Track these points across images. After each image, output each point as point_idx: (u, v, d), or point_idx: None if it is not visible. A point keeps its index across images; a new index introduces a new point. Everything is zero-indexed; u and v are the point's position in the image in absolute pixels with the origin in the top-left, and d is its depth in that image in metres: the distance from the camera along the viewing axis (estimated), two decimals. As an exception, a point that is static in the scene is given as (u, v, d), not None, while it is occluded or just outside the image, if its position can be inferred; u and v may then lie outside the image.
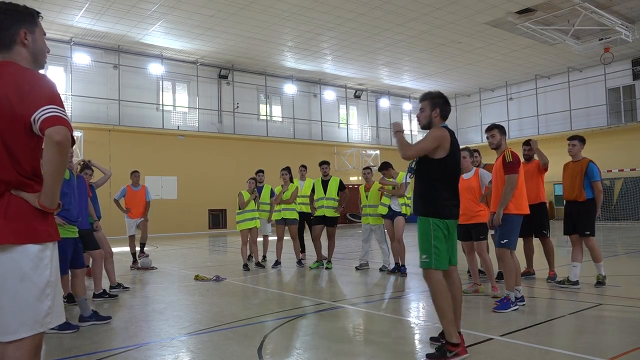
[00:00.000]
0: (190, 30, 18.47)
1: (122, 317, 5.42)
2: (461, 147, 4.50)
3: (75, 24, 17.51)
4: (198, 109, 22.30)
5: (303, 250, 10.02)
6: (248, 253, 9.62)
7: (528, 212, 5.51)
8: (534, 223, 6.84)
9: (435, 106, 3.93)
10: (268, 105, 24.90)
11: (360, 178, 25.79)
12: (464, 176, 6.01)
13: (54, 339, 4.48)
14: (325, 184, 9.09)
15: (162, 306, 5.97)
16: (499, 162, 5.44)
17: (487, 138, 5.56)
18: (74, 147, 2.88)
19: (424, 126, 4.01)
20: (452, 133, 3.86)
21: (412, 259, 9.51)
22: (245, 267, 9.03)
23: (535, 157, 7.18)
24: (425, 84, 26.29)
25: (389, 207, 8.06)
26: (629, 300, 5.59)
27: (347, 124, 27.64)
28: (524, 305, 5.31)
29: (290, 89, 25.13)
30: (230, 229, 21.32)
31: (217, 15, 17.08)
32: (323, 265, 9.02)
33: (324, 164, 9.26)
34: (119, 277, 7.32)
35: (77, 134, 18.01)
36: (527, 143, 7.21)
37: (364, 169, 8.89)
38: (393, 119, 29.81)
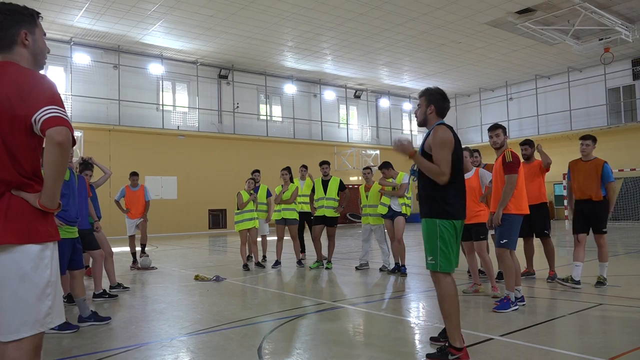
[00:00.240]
0: (190, 30, 18.47)
1: (122, 317, 5.42)
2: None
3: (75, 24, 17.51)
4: (198, 109, 22.30)
5: (303, 250, 10.02)
6: (247, 253, 9.62)
7: (528, 212, 5.52)
8: (536, 223, 6.86)
9: (431, 102, 3.86)
10: (268, 105, 24.91)
11: (360, 178, 25.81)
12: (464, 176, 6.01)
13: (54, 339, 4.48)
14: (325, 184, 9.09)
15: (162, 306, 5.97)
16: (499, 162, 5.45)
17: (491, 137, 5.55)
18: (74, 147, 2.88)
19: (420, 123, 3.95)
20: (451, 129, 3.82)
21: (412, 259, 9.52)
22: (245, 267, 9.03)
23: (537, 157, 7.17)
24: (425, 84, 25.99)
25: (389, 207, 8.06)
26: (629, 300, 5.59)
27: (347, 124, 27.64)
28: (524, 305, 5.31)
29: (290, 89, 25.13)
30: (230, 229, 21.31)
31: (217, 15, 17.09)
32: (323, 265, 9.02)
33: (324, 164, 9.26)
34: (119, 277, 7.32)
35: (77, 134, 18.00)
36: (524, 143, 7.21)
37: (364, 169, 8.89)
38: (393, 119, 29.84)
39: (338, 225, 9.65)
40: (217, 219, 22.51)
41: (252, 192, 9.17)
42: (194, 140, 21.83)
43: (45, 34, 2.37)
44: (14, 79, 2.09)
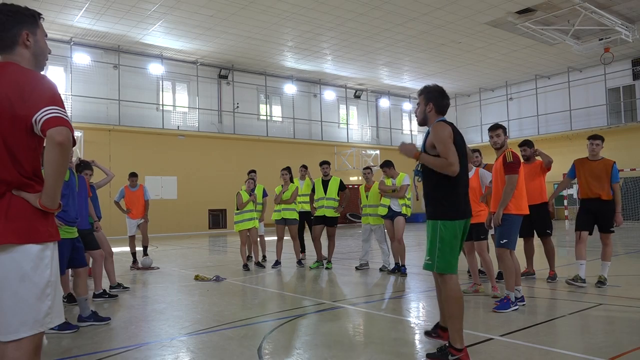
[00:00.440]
0: (190, 30, 18.47)
1: (122, 317, 5.42)
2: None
3: (75, 24, 17.52)
4: (198, 109, 22.30)
5: (303, 250, 10.02)
6: (247, 253, 9.62)
7: (528, 212, 5.51)
8: (538, 223, 6.87)
9: (429, 100, 3.84)
10: (268, 105, 24.91)
11: (360, 178, 25.81)
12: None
13: (53, 339, 4.49)
14: (325, 184, 9.10)
15: (162, 306, 5.97)
16: (500, 162, 5.44)
17: (491, 137, 5.53)
18: (74, 147, 2.89)
19: (420, 122, 3.93)
20: (452, 125, 3.79)
21: (412, 259, 9.51)
22: (245, 267, 9.03)
23: (538, 157, 7.18)
24: (425, 84, 26.27)
25: (389, 208, 8.06)
26: (629, 300, 5.59)
27: (347, 124, 27.64)
28: (524, 305, 5.31)
29: (290, 89, 25.14)
30: (230, 229, 21.30)
31: (217, 15, 17.09)
32: (323, 265, 9.02)
33: (324, 163, 9.26)
34: (118, 277, 7.32)
35: (77, 134, 18.00)
36: (523, 144, 7.21)
37: (364, 169, 8.89)
38: (393, 119, 29.84)
39: (338, 225, 9.66)
40: (217, 219, 22.52)
41: (251, 192, 9.17)
42: (194, 140, 21.83)
43: (46, 35, 2.38)
44: (15, 79, 2.10)
